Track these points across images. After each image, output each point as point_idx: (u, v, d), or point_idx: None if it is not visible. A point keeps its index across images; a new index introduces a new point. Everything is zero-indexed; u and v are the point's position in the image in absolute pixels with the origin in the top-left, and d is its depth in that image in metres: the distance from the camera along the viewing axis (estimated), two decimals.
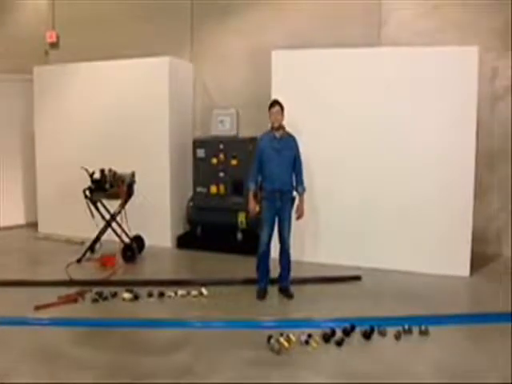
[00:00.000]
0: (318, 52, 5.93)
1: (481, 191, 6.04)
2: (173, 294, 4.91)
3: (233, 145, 6.56)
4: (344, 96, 5.79)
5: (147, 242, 6.41)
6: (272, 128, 5.01)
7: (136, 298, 4.83)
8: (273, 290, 5.11)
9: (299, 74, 5.94)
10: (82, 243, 6.54)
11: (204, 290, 4.96)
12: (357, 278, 5.45)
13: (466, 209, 5.53)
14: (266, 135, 5.03)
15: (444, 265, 5.60)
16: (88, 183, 5.96)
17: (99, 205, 6.03)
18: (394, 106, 5.66)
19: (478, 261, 5.82)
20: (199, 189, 6.69)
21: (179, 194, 6.90)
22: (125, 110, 6.80)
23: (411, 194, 5.69)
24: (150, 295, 4.89)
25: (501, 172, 6.31)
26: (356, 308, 4.69)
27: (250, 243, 6.39)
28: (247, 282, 5.30)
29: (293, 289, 5.04)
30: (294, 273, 5.18)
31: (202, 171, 6.65)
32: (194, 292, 4.94)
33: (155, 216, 6.68)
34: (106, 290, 4.93)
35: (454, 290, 5.26)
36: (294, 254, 5.27)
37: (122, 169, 6.01)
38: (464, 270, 5.55)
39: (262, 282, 5.03)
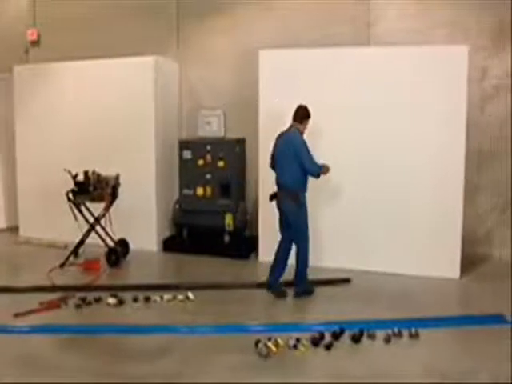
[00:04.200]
0: (306, 52, 5.96)
1: (470, 192, 6.08)
2: (159, 299, 4.89)
3: (220, 146, 6.57)
4: (332, 96, 5.81)
5: (132, 246, 6.38)
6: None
7: (121, 303, 4.81)
8: (261, 294, 5.11)
9: (287, 74, 5.95)
10: (65, 247, 6.49)
11: (191, 295, 4.95)
12: (346, 281, 5.47)
13: (456, 210, 5.58)
14: None
15: (434, 267, 5.64)
16: (71, 186, 5.92)
17: (83, 208, 5.99)
18: (382, 107, 5.69)
19: (468, 262, 5.87)
20: (185, 191, 6.68)
21: (165, 197, 6.88)
22: (109, 111, 6.77)
23: (400, 195, 5.73)
24: (136, 300, 4.87)
25: (490, 173, 6.37)
26: (345, 311, 4.70)
27: (238, 246, 6.50)
28: (235, 286, 5.29)
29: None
30: (284, 276, 5.22)
31: (189, 173, 6.64)
32: (181, 296, 4.93)
33: (140, 219, 6.66)
34: (90, 296, 4.90)
35: (444, 292, 5.29)
36: None
37: (106, 171, 5.99)
38: (454, 271, 5.61)
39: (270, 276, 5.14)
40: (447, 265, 5.62)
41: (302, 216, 5.02)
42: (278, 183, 5.13)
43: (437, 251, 5.65)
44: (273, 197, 5.20)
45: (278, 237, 5.77)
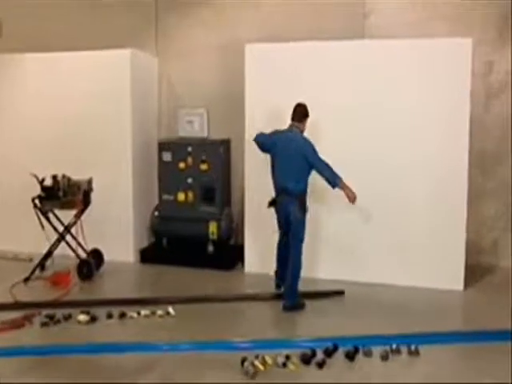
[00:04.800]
0: (296, 45, 5.97)
1: (475, 197, 6.12)
2: (135, 315, 4.87)
3: (202, 148, 6.57)
4: (325, 93, 5.84)
5: (106, 257, 6.35)
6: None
7: (93, 320, 4.77)
8: (247, 307, 5.14)
9: (276, 70, 5.98)
10: (31, 260, 6.42)
11: (171, 310, 4.94)
12: (340, 293, 5.48)
13: (459, 216, 5.61)
14: None
15: (435, 278, 5.67)
16: (38, 191, 5.87)
17: (51, 215, 5.94)
18: (377, 104, 5.73)
19: (473, 273, 5.90)
20: (165, 196, 6.67)
21: (143, 203, 6.87)
22: (81, 108, 6.72)
23: (398, 199, 5.76)
24: (110, 316, 4.84)
25: (496, 176, 6.43)
26: (339, 326, 4.70)
27: (222, 256, 6.51)
28: (219, 299, 5.31)
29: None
30: (271, 288, 5.34)
31: (169, 177, 6.63)
32: (160, 312, 4.91)
33: (115, 227, 6.64)
34: (59, 313, 4.85)
35: (447, 304, 5.31)
36: (272, 268, 5.44)
37: (77, 174, 5.95)
38: (457, 283, 5.63)
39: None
40: (450, 275, 5.65)
41: (304, 222, 5.15)
42: (278, 187, 5.21)
43: (439, 261, 5.68)
44: (272, 203, 5.28)
45: (267, 246, 5.87)
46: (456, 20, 6.29)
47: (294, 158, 5.06)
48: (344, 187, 5.05)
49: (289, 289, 5.13)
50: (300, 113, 5.22)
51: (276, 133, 5.32)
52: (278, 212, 5.28)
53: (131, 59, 6.58)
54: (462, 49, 5.49)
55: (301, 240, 5.16)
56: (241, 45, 6.17)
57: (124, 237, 6.69)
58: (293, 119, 5.22)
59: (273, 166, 5.31)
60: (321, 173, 5.05)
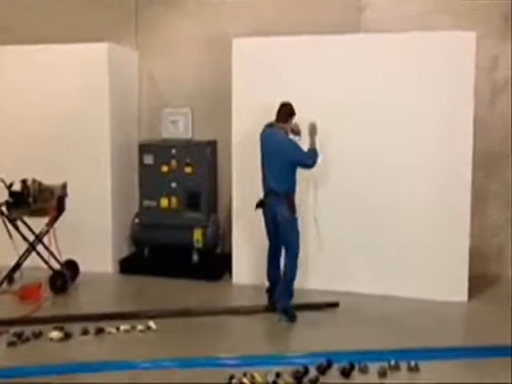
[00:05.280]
0: (287, 40, 5.98)
1: (479, 201, 6.13)
2: (114, 330, 4.84)
3: (187, 150, 6.57)
4: (317, 90, 5.84)
5: (82, 268, 6.31)
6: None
7: (67, 336, 4.73)
8: (235, 321, 5.14)
9: (265, 66, 5.99)
10: None
11: (152, 324, 4.93)
12: (334, 305, 5.47)
13: (462, 221, 5.61)
14: None
15: (437, 288, 5.66)
16: (5, 196, 5.82)
17: (20, 224, 5.90)
18: (374, 102, 5.74)
19: (477, 283, 5.89)
20: (147, 202, 6.66)
21: (122, 209, 6.85)
22: (54, 106, 6.67)
23: (396, 204, 5.76)
24: (86, 333, 4.80)
25: (502, 177, 6.45)
26: (333, 340, 4.69)
27: (208, 266, 6.51)
28: (205, 312, 5.30)
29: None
30: (261, 300, 5.33)
31: (151, 181, 6.63)
32: (141, 326, 4.89)
33: (92, 236, 6.60)
34: (28, 330, 4.78)
35: (450, 317, 5.31)
36: (263, 278, 5.45)
37: (49, 179, 5.90)
38: (461, 294, 5.63)
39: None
40: (453, 286, 5.65)
41: (294, 223, 5.25)
42: (266, 188, 5.32)
43: (440, 269, 5.68)
44: (259, 205, 5.37)
45: (257, 254, 5.90)
46: (458, 13, 6.31)
47: (278, 158, 5.21)
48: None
49: (283, 289, 5.22)
50: (285, 113, 5.32)
51: (264, 130, 5.40)
52: (265, 214, 5.35)
53: (109, 54, 6.56)
54: (465, 43, 5.50)
55: (295, 248, 5.23)
56: (228, 39, 6.17)
57: (102, 246, 6.65)
58: (277, 120, 5.33)
59: (262, 165, 5.39)
60: (308, 165, 5.23)
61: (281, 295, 5.21)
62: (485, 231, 6.45)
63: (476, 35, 5.50)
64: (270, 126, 5.38)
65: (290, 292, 5.24)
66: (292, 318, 5.16)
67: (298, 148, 5.21)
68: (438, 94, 5.62)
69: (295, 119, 5.37)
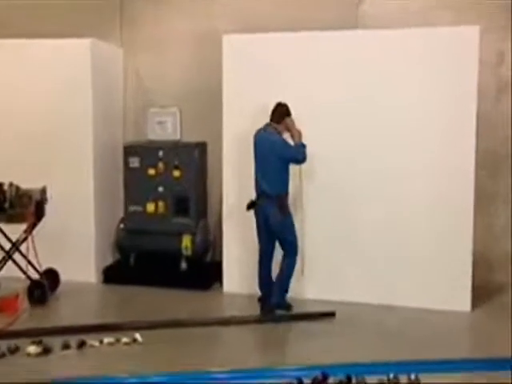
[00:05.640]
0: (280, 36, 5.99)
1: (483, 203, 6.14)
2: (97, 343, 4.80)
3: (175, 152, 6.57)
4: (313, 89, 5.85)
5: (63, 277, 6.25)
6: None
7: (46, 351, 4.67)
8: (227, 332, 5.14)
9: (257, 64, 5.99)
10: None
11: (138, 336, 4.89)
12: (330, 315, 5.48)
13: (465, 226, 5.62)
14: None
15: (438, 297, 5.66)
16: None
17: None
18: (373, 100, 5.75)
19: (481, 291, 5.89)
20: (132, 207, 6.64)
21: (106, 215, 6.82)
22: (33, 105, 6.62)
23: (394, 208, 5.77)
24: (67, 347, 4.75)
25: (508, 179, 6.45)
26: (329, 352, 4.68)
27: (198, 274, 6.50)
28: (194, 323, 5.28)
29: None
30: (253, 310, 5.33)
31: (136, 185, 6.61)
32: (126, 339, 4.86)
33: (74, 243, 6.56)
34: (3, 345, 4.71)
35: (452, 328, 5.31)
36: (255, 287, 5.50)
37: (28, 183, 5.84)
38: (463, 303, 5.63)
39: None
40: (455, 295, 5.65)
41: (288, 225, 5.44)
42: (257, 190, 5.48)
43: (442, 277, 5.68)
44: (251, 205, 5.50)
45: (249, 262, 5.92)
46: (460, 8, 6.32)
47: (270, 158, 5.37)
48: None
49: (278, 285, 5.44)
50: (279, 114, 5.46)
51: (258, 132, 5.52)
52: (257, 216, 5.49)
53: (92, 50, 6.53)
54: (469, 37, 5.51)
55: (294, 253, 5.48)
56: (218, 35, 6.17)
57: (84, 254, 6.62)
58: (271, 119, 5.48)
59: (255, 166, 5.50)
60: (297, 161, 5.42)
61: (275, 291, 5.42)
62: (489, 236, 6.45)
63: (480, 29, 5.49)
64: (264, 127, 5.49)
65: (285, 289, 5.47)
66: (288, 308, 5.47)
67: (288, 145, 5.41)
68: (439, 92, 5.63)
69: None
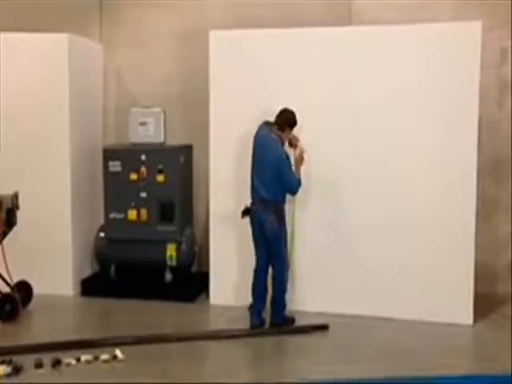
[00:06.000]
0: (270, 33, 5.98)
1: (485, 211, 6.15)
2: (74, 361, 4.72)
3: (159, 155, 6.54)
4: (304, 88, 5.84)
5: (37, 290, 6.17)
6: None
7: (17, 371, 4.55)
8: (214, 347, 5.12)
9: (246, 62, 6.00)
10: None
11: (119, 353, 4.84)
12: (323, 328, 5.49)
13: (467, 234, 5.60)
14: None
15: (439, 309, 5.66)
16: None
17: None
18: (367, 101, 5.73)
19: (484, 304, 5.90)
20: (113, 214, 6.59)
21: (85, 223, 6.77)
22: (5, 104, 6.46)
23: (392, 216, 5.75)
24: (39, 366, 4.64)
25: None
26: (322, 368, 4.66)
27: (183, 285, 6.48)
28: (179, 338, 5.25)
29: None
30: (242, 323, 5.40)
31: (117, 191, 6.56)
32: (105, 356, 4.80)
33: (50, 253, 6.49)
34: None
35: (453, 342, 5.28)
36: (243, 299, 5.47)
37: None
38: (465, 316, 5.62)
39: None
40: (456, 307, 5.65)
41: (282, 233, 5.49)
42: (254, 196, 5.48)
43: (442, 289, 5.67)
44: (245, 212, 5.51)
45: (237, 272, 6.04)
46: (460, 4, 6.34)
47: (270, 169, 5.36)
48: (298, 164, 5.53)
49: (277, 303, 5.51)
50: (285, 120, 5.41)
51: (259, 131, 5.49)
52: (252, 222, 5.50)
53: (69, 46, 6.46)
54: (470, 34, 5.49)
55: (282, 260, 5.50)
56: (205, 31, 6.15)
57: (61, 265, 6.54)
58: (276, 122, 5.44)
59: (252, 170, 5.50)
60: (290, 191, 5.48)
61: (276, 312, 5.50)
62: (492, 246, 6.46)
63: (482, 25, 5.47)
64: (267, 124, 5.46)
65: (282, 305, 5.52)
66: (292, 322, 5.60)
67: (291, 172, 5.39)
68: (438, 93, 5.62)
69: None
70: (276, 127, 5.41)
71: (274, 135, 5.39)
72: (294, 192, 5.47)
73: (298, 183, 5.40)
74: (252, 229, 5.49)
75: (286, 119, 5.41)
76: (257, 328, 5.49)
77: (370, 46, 5.75)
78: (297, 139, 5.50)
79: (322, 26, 5.94)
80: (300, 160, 5.45)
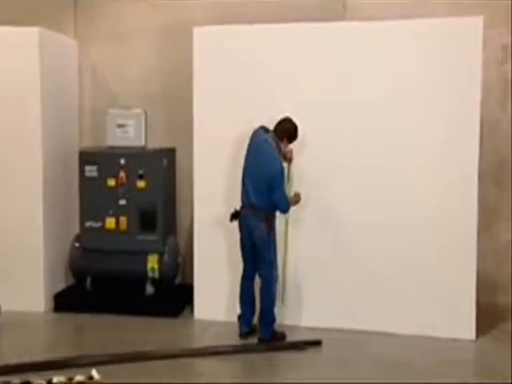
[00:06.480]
0: (259, 28, 5.95)
1: (488, 218, 6.16)
2: (44, 383, 4.58)
3: (139, 160, 6.48)
4: (295, 87, 5.83)
5: (4, 307, 6.07)
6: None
7: None
8: (203, 367, 5.13)
9: (232, 59, 5.98)
10: None
11: (95, 373, 4.70)
12: (316, 344, 5.49)
13: (468, 243, 5.58)
14: None
15: (439, 323, 5.65)
16: None
17: None
18: (362, 101, 5.72)
19: (486, 317, 5.88)
20: (89, 223, 6.53)
21: (58, 232, 6.69)
22: None
23: (390, 224, 5.74)
24: None
25: None
26: None
27: (166, 299, 6.47)
28: (162, 356, 5.21)
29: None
30: (230, 338, 5.47)
31: (94, 198, 6.50)
32: (80, 377, 4.66)
33: (19, 265, 6.39)
34: None
35: (454, 358, 5.27)
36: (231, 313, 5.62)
37: None
38: (467, 330, 5.60)
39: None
40: (458, 321, 5.64)
41: (270, 241, 5.52)
42: (245, 201, 5.52)
43: (443, 302, 5.65)
44: (234, 216, 5.57)
45: (224, 284, 6.04)
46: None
47: (263, 174, 5.39)
48: (294, 203, 5.62)
49: (264, 317, 5.52)
50: (284, 130, 5.45)
51: (256, 133, 5.52)
52: (241, 228, 5.54)
53: (40, 40, 6.38)
54: (471, 29, 5.49)
55: (270, 269, 5.52)
56: (188, 27, 6.11)
57: (31, 278, 6.44)
58: (274, 130, 5.48)
59: (244, 173, 5.52)
60: (279, 208, 5.51)
61: (264, 326, 5.53)
62: (495, 255, 6.45)
63: (483, 20, 5.46)
64: (264, 129, 5.50)
65: (271, 319, 5.53)
66: (282, 338, 5.58)
67: (283, 188, 5.44)
68: (438, 90, 5.61)
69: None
70: (274, 135, 5.45)
71: (272, 142, 5.41)
72: (282, 210, 5.51)
73: (288, 205, 5.46)
74: (240, 234, 5.53)
75: (286, 130, 5.44)
76: (246, 336, 5.57)
77: (366, 43, 5.74)
78: (291, 154, 5.56)
79: (316, 21, 5.90)
80: (294, 202, 5.55)
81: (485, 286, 5.97)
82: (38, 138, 6.42)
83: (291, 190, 5.62)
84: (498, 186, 6.47)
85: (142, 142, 6.76)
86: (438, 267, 5.65)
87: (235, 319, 5.70)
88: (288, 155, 5.55)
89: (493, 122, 6.21)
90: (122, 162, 6.46)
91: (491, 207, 6.36)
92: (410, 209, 5.70)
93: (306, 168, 5.78)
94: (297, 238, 5.89)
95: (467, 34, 5.53)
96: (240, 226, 5.53)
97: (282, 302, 5.81)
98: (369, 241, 5.79)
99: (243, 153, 5.50)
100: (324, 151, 5.82)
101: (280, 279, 5.70)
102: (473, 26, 5.48)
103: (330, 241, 5.87)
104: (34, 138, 6.41)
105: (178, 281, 6.81)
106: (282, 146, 5.46)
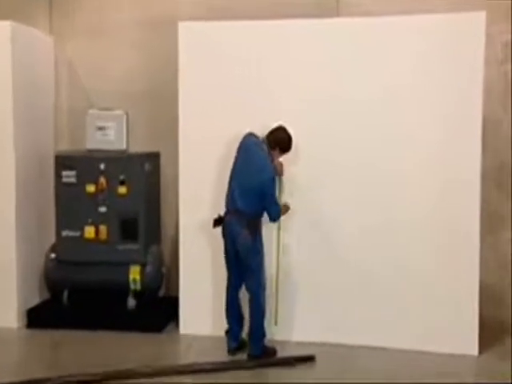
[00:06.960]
0: (249, 25, 5.97)
1: (491, 225, 6.16)
2: None
3: (120, 164, 6.46)
4: (287, 86, 5.84)
5: None
6: None
7: None
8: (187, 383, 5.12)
9: (221, 57, 5.97)
10: None
11: None
12: (309, 359, 5.48)
13: (470, 251, 5.58)
14: None
15: (440, 338, 5.64)
16: None
17: None
18: (358, 100, 5.73)
19: (490, 332, 5.88)
20: (66, 232, 6.47)
21: (32, 241, 6.64)
22: None
23: (386, 231, 5.74)
24: None
25: None
26: None
27: (149, 313, 6.47)
28: (145, 374, 5.16)
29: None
30: (218, 354, 5.48)
31: (72, 205, 6.45)
32: None
33: None
34: None
35: (456, 375, 5.23)
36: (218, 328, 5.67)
37: None
38: (470, 346, 5.59)
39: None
40: (460, 335, 5.63)
41: (255, 248, 5.50)
42: (229, 206, 5.55)
43: (443, 315, 5.64)
44: (218, 221, 5.58)
45: (211, 297, 6.05)
46: None
47: (253, 180, 5.40)
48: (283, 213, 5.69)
49: (254, 333, 5.52)
50: (277, 140, 5.47)
51: (247, 137, 5.56)
52: (224, 235, 5.56)
53: (12, 35, 6.33)
54: (472, 25, 5.50)
55: (259, 283, 5.54)
56: (173, 22, 6.10)
57: (3, 291, 6.39)
58: (266, 138, 5.50)
59: (231, 176, 5.53)
60: (269, 216, 5.56)
61: (254, 342, 5.53)
62: (499, 265, 6.46)
63: (486, 16, 5.46)
64: (255, 137, 5.55)
65: (261, 333, 5.54)
66: (273, 354, 5.58)
67: (275, 195, 5.50)
68: (437, 91, 5.62)
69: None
70: (266, 142, 5.48)
71: (264, 146, 5.44)
72: (272, 218, 5.54)
73: (279, 212, 5.52)
74: (224, 242, 5.55)
75: (279, 140, 5.46)
76: (234, 352, 5.59)
77: (361, 40, 5.76)
78: (282, 169, 5.60)
79: (308, 17, 5.92)
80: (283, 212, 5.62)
81: (489, 300, 5.97)
82: (9, 139, 6.38)
83: (281, 200, 5.62)
84: (502, 193, 6.48)
85: (124, 146, 6.71)
86: (439, 280, 5.66)
87: (223, 334, 5.71)
88: (278, 168, 5.55)
89: (494, 122, 6.21)
90: (102, 166, 6.43)
91: (498, 213, 6.39)
92: (409, 215, 5.70)
93: (299, 167, 5.79)
94: (290, 239, 5.92)
95: (469, 30, 5.54)
96: (223, 233, 5.56)
97: (276, 323, 5.85)
98: (364, 245, 5.80)
99: (232, 156, 5.51)
100: (318, 150, 5.84)
101: (273, 296, 5.75)
102: (475, 22, 5.49)
103: (323, 247, 5.86)
104: (6, 139, 6.38)
105: (161, 293, 6.79)
106: (274, 155, 5.50)
